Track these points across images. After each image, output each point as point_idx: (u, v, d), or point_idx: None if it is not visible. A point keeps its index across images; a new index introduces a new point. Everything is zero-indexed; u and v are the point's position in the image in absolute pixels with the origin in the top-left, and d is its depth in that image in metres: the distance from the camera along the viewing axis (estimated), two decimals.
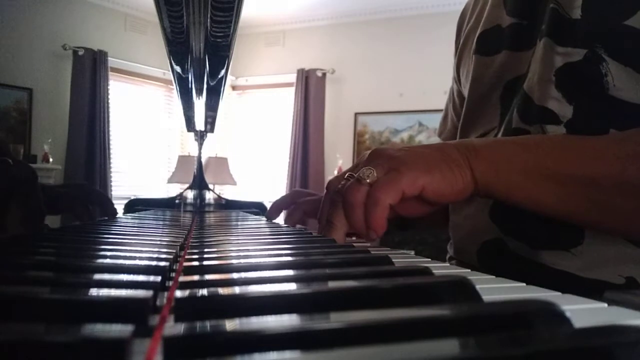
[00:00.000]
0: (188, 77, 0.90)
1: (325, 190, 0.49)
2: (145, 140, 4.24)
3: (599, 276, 0.43)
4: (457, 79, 0.68)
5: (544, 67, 0.46)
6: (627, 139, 0.40)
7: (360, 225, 0.40)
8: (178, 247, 0.34)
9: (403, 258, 0.35)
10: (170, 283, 0.23)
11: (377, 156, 0.42)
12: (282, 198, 0.78)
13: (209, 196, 1.13)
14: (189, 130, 1.15)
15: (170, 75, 0.99)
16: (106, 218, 0.72)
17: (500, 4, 0.56)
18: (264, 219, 0.81)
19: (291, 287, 0.20)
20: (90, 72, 3.79)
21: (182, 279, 0.21)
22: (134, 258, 0.28)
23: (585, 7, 0.44)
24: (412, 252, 0.39)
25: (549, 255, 0.45)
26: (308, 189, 0.94)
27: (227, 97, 4.55)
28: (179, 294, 0.17)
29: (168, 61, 0.87)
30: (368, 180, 0.40)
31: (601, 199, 0.39)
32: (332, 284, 0.21)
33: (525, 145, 0.42)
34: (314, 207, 0.69)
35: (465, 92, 0.61)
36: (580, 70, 0.44)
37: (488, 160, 0.41)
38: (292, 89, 4.37)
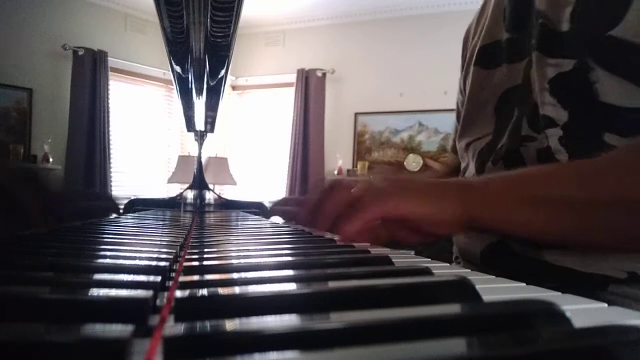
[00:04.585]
0: (188, 77, 0.90)
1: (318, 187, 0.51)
2: (145, 140, 4.24)
3: (602, 271, 0.44)
4: (463, 90, 0.72)
5: (539, 77, 0.49)
6: (615, 158, 0.41)
7: (327, 217, 0.44)
8: (178, 247, 0.34)
9: (403, 258, 0.34)
10: (170, 283, 0.23)
11: (381, 176, 0.46)
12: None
13: (209, 196, 1.13)
14: (189, 130, 1.15)
15: (170, 75, 0.99)
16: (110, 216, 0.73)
17: (500, 20, 0.59)
18: (264, 219, 0.80)
19: (291, 287, 0.20)
20: (90, 72, 3.79)
21: (182, 279, 0.21)
22: (134, 258, 0.28)
23: (573, 20, 0.47)
24: (412, 252, 0.39)
25: (551, 254, 0.47)
26: (308, 189, 0.96)
27: (227, 97, 4.55)
28: (179, 294, 0.17)
29: (168, 61, 0.87)
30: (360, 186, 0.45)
31: (592, 218, 0.40)
32: (332, 284, 0.21)
33: (516, 178, 0.45)
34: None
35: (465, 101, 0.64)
36: (571, 79, 0.47)
37: (481, 196, 0.43)
38: (292, 89, 4.37)
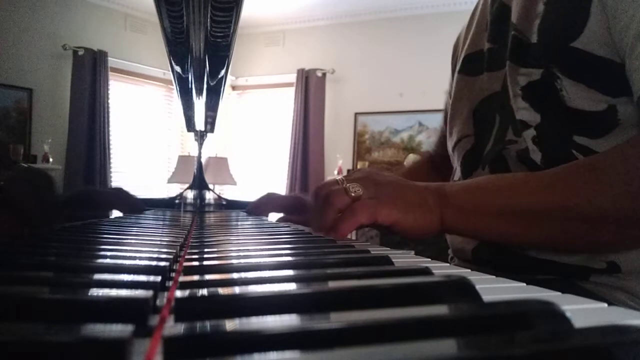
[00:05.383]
0: (188, 77, 0.90)
1: (316, 193, 0.52)
2: (145, 140, 4.24)
3: (581, 262, 0.48)
4: (450, 96, 0.77)
5: (512, 85, 0.54)
6: (569, 172, 0.44)
7: (328, 223, 0.46)
8: (178, 247, 0.34)
9: (403, 258, 0.34)
10: (170, 283, 0.23)
11: (368, 178, 0.49)
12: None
13: (209, 196, 1.13)
14: (189, 130, 1.14)
15: (170, 75, 0.99)
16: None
17: (483, 31, 0.63)
18: (265, 219, 0.81)
19: (291, 287, 0.20)
20: (90, 72, 3.79)
21: (182, 279, 0.21)
22: (134, 258, 0.28)
23: (540, 32, 0.51)
24: (412, 252, 0.39)
25: (533, 248, 0.51)
26: (306, 190, 1.05)
27: (227, 97, 4.55)
28: (179, 294, 0.17)
29: (168, 61, 0.87)
30: (352, 194, 0.46)
31: (552, 226, 0.44)
32: (332, 284, 0.21)
33: (487, 189, 0.48)
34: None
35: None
36: (540, 87, 0.51)
37: (456, 207, 0.47)
38: (292, 89, 4.37)
